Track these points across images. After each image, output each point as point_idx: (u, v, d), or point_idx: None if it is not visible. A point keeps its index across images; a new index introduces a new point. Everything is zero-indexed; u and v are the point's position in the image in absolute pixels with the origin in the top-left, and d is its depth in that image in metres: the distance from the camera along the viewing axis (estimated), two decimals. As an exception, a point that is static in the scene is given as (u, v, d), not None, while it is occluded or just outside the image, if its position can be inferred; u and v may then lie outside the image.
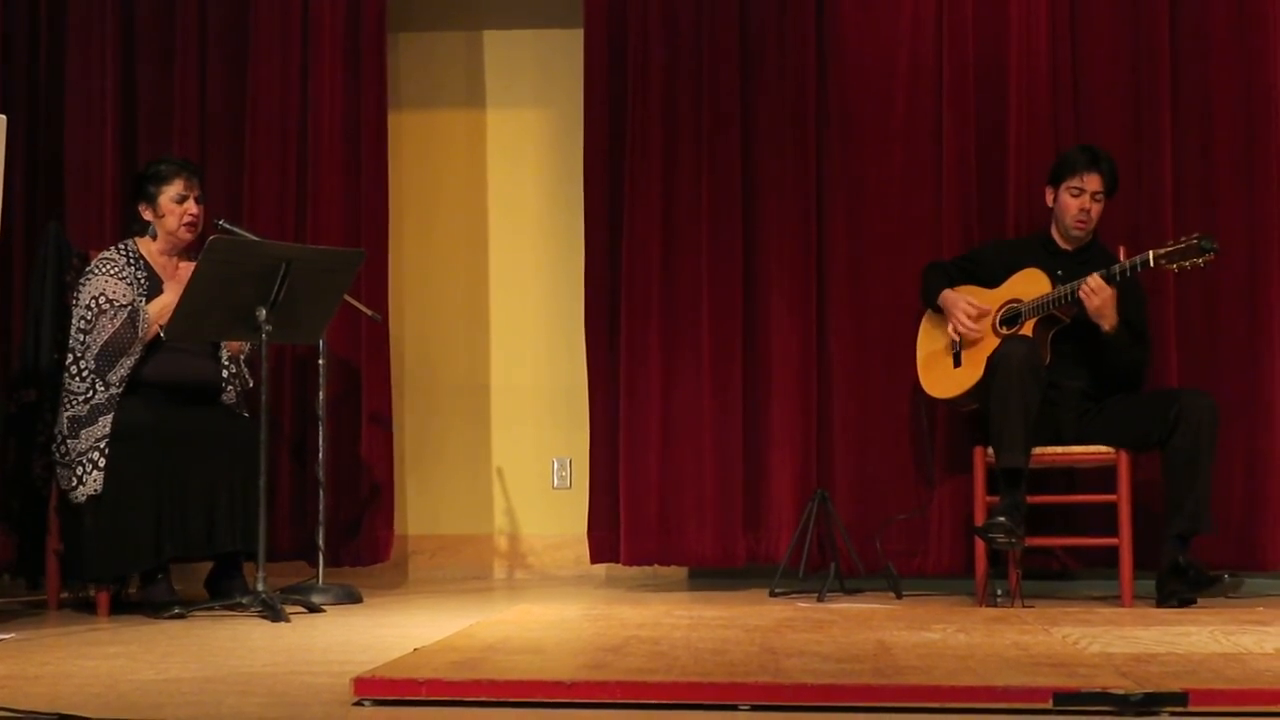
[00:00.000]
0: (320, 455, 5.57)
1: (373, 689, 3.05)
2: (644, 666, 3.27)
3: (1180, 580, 5.01)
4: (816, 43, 5.95)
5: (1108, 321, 5.15)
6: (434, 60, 6.70)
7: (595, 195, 6.02)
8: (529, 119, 6.68)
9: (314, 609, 5.02)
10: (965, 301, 5.41)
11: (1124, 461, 5.13)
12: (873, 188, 5.91)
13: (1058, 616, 4.44)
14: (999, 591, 5.13)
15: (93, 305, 5.06)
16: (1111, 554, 5.19)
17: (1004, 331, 5.31)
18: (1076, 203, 5.37)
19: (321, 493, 5.55)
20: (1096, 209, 5.37)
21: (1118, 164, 5.54)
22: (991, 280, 5.45)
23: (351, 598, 5.36)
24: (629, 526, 5.84)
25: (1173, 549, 5.04)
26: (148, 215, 5.25)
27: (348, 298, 5.44)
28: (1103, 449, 5.18)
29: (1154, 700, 2.87)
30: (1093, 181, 5.35)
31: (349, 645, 4.07)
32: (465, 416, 6.59)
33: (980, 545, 5.22)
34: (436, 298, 6.63)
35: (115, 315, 5.03)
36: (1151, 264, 5.05)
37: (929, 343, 5.56)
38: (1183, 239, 5.06)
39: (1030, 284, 5.32)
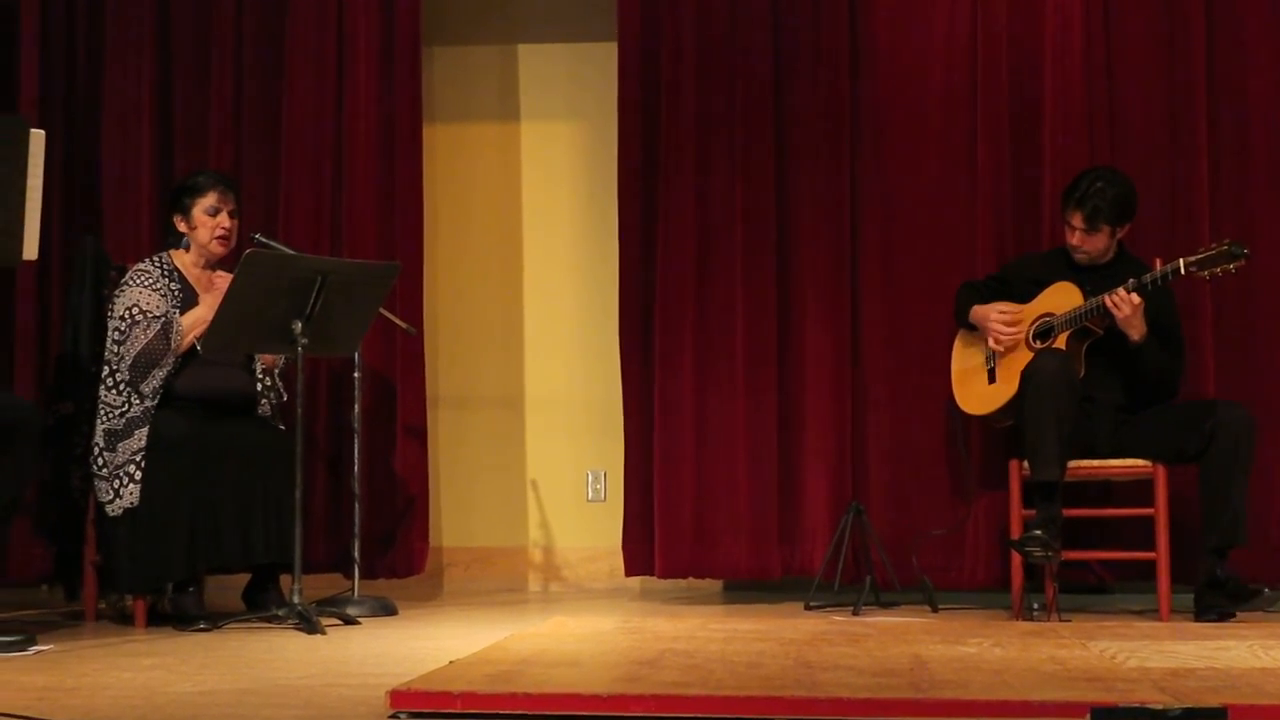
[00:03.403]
0: (355, 468, 5.59)
1: (408, 701, 3.06)
2: (679, 680, 3.27)
3: (1218, 594, 4.98)
4: (850, 54, 5.94)
5: (1136, 331, 5.13)
6: (468, 73, 6.72)
7: (629, 208, 6.02)
8: (562, 132, 6.69)
9: (349, 621, 5.03)
10: (997, 311, 5.39)
11: (1161, 475, 5.10)
12: (907, 198, 5.90)
13: (1094, 631, 4.42)
14: (1035, 605, 5.10)
15: (126, 316, 5.08)
16: (1148, 568, 5.15)
17: (1038, 345, 5.29)
18: (1071, 238, 5.34)
19: (357, 505, 5.56)
20: (1091, 241, 5.30)
21: (1153, 172, 5.55)
22: (1023, 295, 5.42)
23: (387, 610, 5.36)
24: (664, 539, 5.84)
25: (1210, 562, 5.01)
26: (182, 227, 5.28)
27: (383, 311, 5.45)
28: (1139, 462, 5.15)
29: (1192, 715, 2.85)
30: (1076, 219, 5.29)
31: (384, 657, 4.08)
32: (500, 429, 6.60)
33: (1016, 559, 5.19)
34: (471, 310, 6.65)
35: (148, 326, 5.05)
36: (1183, 272, 5.01)
37: (963, 360, 5.54)
38: (1213, 245, 5.03)
39: (1063, 297, 5.29)
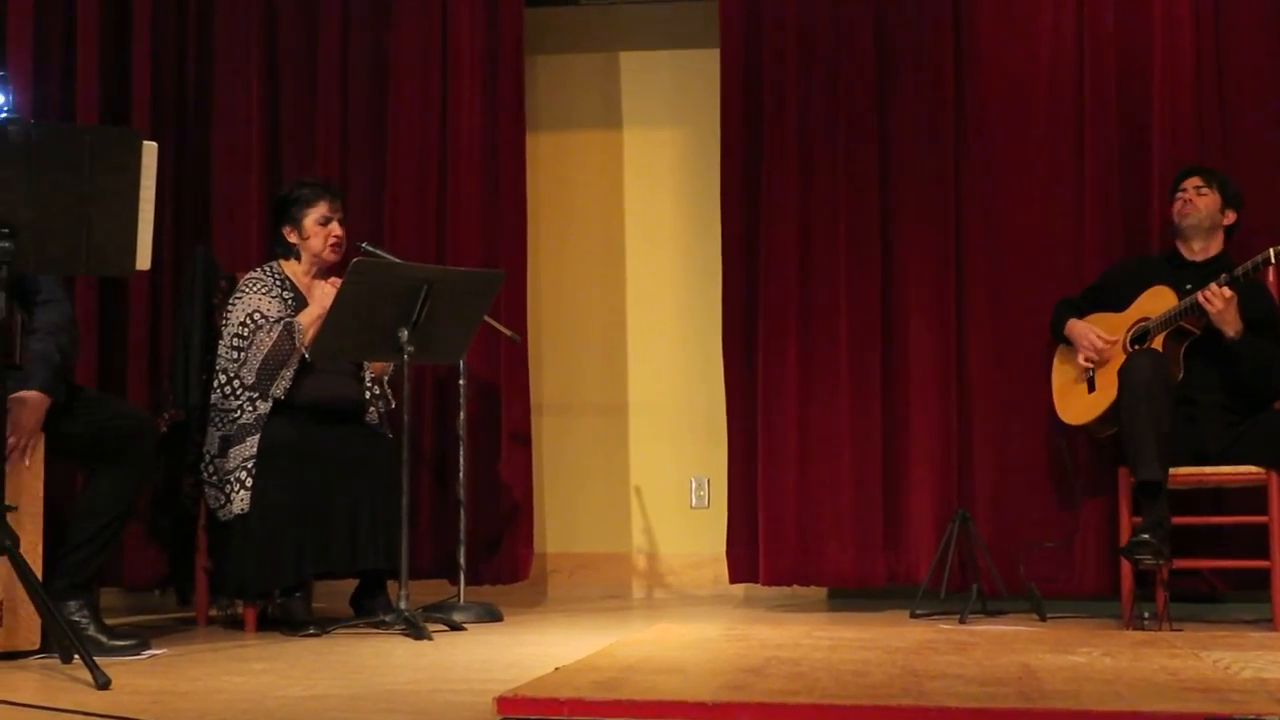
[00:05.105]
0: (461, 474, 5.62)
1: (516, 708, 3.07)
2: (785, 688, 3.25)
3: None
4: (954, 58, 5.90)
5: (1231, 327, 5.06)
6: (570, 82, 6.75)
7: (732, 214, 6.02)
8: (665, 139, 6.71)
9: (456, 627, 5.06)
10: (1094, 332, 5.34)
11: (1274, 482, 5.00)
12: (1012, 204, 5.85)
13: (1207, 640, 4.34)
14: (1145, 614, 5.03)
15: (248, 322, 5.15)
16: (1262, 576, 5.07)
17: (1134, 350, 5.24)
18: (1178, 201, 5.40)
19: (462, 511, 5.60)
20: (1201, 200, 5.35)
21: (1265, 179, 5.51)
22: (1121, 302, 5.38)
23: (492, 616, 5.39)
24: (768, 546, 5.82)
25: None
26: (292, 238, 5.35)
27: (487, 318, 5.49)
28: (1252, 469, 5.06)
29: (1310, 728, 2.81)
30: (1191, 182, 5.38)
31: (490, 663, 4.10)
32: (603, 435, 6.62)
33: (1126, 567, 5.13)
34: (574, 317, 6.67)
35: (271, 329, 5.12)
36: (1272, 260, 4.94)
37: (1063, 374, 5.49)
38: None
39: (1157, 300, 5.25)
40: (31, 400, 4.23)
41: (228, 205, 6.21)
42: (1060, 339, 5.50)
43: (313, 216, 5.31)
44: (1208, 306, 5.02)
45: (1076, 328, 5.42)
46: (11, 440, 4.16)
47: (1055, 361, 5.54)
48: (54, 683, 3.74)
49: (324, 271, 5.35)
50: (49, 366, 4.29)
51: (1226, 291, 5.00)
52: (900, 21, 5.94)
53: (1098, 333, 5.35)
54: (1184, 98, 5.71)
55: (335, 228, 5.32)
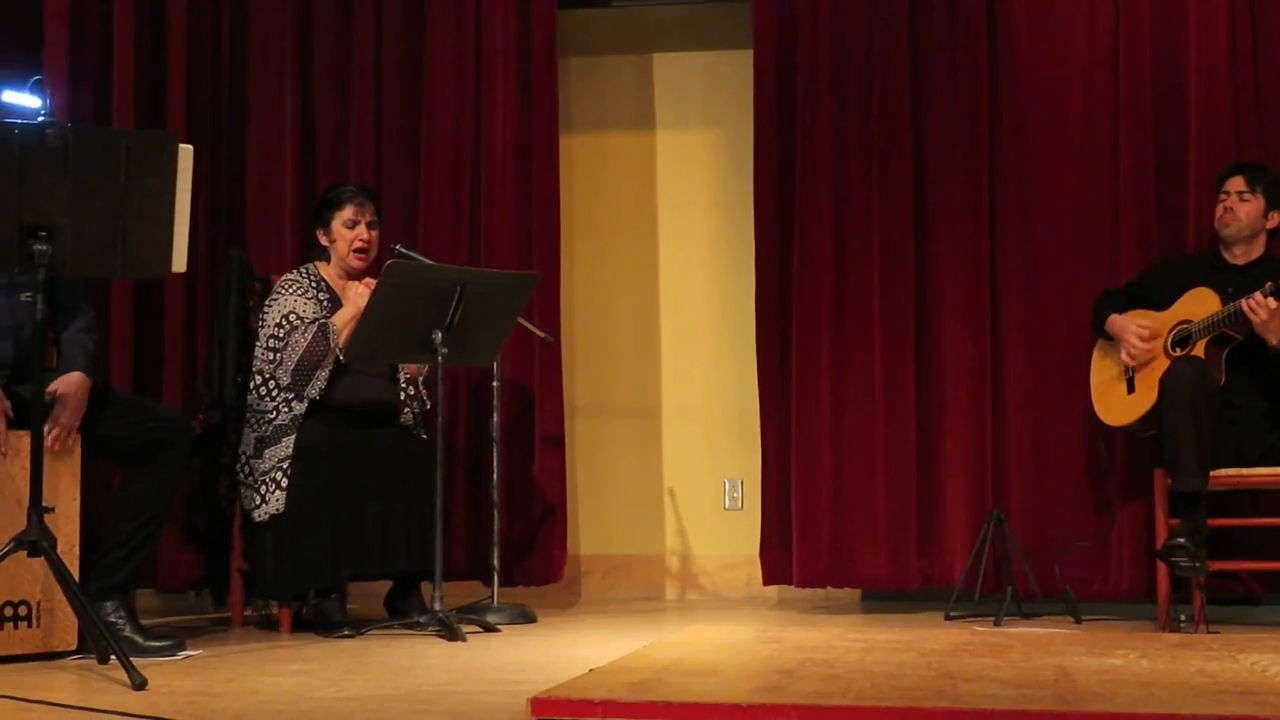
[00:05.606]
0: (495, 476, 5.63)
1: (550, 709, 3.07)
2: (819, 690, 3.25)
3: None
4: (989, 59, 5.88)
5: (1274, 336, 5.02)
6: (604, 84, 6.75)
7: (765, 216, 6.01)
8: (698, 141, 6.70)
9: (489, 628, 5.07)
10: (1135, 324, 5.31)
11: (1313, 483, 4.99)
12: (1047, 205, 5.82)
13: (1244, 643, 4.32)
14: (1182, 616, 5.01)
15: (283, 323, 5.17)
16: (1300, 578, 5.04)
17: (1176, 353, 5.20)
18: (1220, 206, 5.34)
19: (496, 513, 5.61)
20: (1243, 208, 5.29)
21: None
22: (1163, 301, 5.34)
23: (526, 617, 5.40)
24: (801, 548, 5.81)
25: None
26: (323, 240, 5.37)
27: (521, 320, 5.49)
28: (1290, 471, 5.05)
29: (1350, 731, 2.79)
30: (1235, 183, 5.31)
31: (524, 665, 4.11)
32: (637, 437, 6.61)
33: (1162, 569, 5.10)
34: (608, 319, 6.67)
35: (306, 330, 5.14)
36: None
37: (1102, 371, 5.46)
38: None
39: (1200, 303, 5.21)
40: (73, 379, 4.28)
41: (262, 208, 6.23)
42: (1101, 333, 5.47)
43: (340, 219, 5.33)
44: (1252, 316, 4.99)
45: (1118, 323, 5.38)
46: (62, 420, 4.22)
47: (1094, 359, 5.51)
48: (91, 683, 3.76)
49: (354, 275, 5.36)
50: (86, 353, 4.37)
51: (1271, 302, 4.97)
52: (934, 23, 5.92)
53: (1139, 329, 5.30)
54: (1220, 97, 5.67)
55: (361, 231, 5.33)
